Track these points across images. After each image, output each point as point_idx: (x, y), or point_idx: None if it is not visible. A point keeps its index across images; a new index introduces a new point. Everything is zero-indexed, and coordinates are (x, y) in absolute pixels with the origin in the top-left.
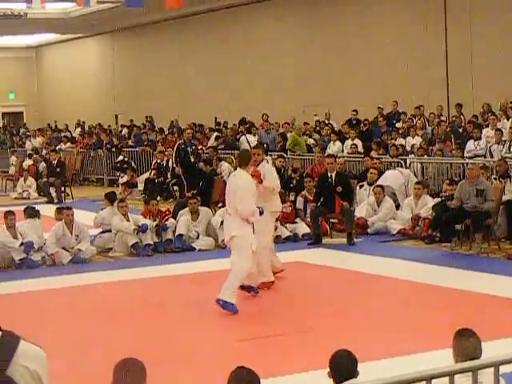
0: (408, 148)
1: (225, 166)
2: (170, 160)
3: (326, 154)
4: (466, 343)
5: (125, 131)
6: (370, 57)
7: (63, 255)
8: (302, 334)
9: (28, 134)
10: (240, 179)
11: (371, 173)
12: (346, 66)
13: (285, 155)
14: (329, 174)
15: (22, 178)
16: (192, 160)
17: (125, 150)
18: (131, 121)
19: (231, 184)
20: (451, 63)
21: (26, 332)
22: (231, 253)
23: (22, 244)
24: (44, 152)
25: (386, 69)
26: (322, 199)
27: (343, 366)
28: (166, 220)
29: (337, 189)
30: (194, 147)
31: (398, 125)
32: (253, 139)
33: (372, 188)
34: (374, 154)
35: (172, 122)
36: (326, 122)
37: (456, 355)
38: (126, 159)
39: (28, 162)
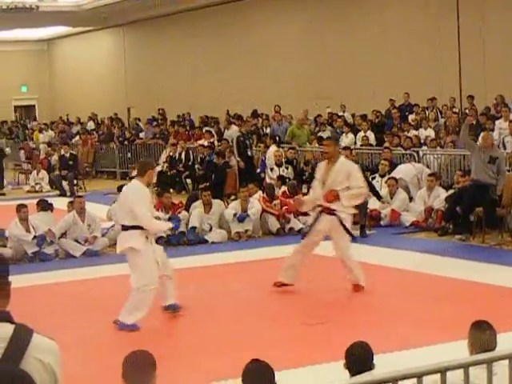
0: (422, 139)
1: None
2: (183, 152)
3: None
4: (483, 335)
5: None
6: (383, 48)
7: (75, 247)
8: (315, 326)
9: (41, 127)
10: (130, 192)
11: (382, 164)
12: (359, 57)
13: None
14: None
15: (35, 171)
16: (249, 154)
17: (137, 142)
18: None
19: (121, 196)
20: (464, 55)
21: (38, 325)
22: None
23: (34, 237)
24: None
25: (398, 60)
26: None
27: (359, 357)
28: (179, 213)
29: None
30: (251, 140)
31: (411, 117)
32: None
33: (385, 180)
34: (387, 144)
35: (183, 114)
36: (340, 114)
37: (471, 347)
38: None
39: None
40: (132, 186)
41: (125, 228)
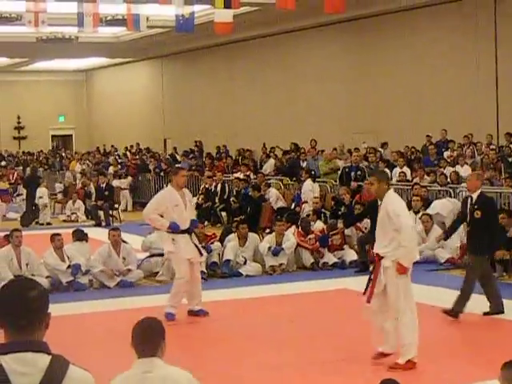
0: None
1: (273, 192)
2: (219, 185)
3: None
4: None
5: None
6: (420, 83)
7: (110, 278)
8: (347, 361)
9: (80, 157)
10: None
11: (414, 200)
12: (396, 92)
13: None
14: (378, 202)
15: (71, 201)
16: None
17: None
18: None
19: None
20: (501, 91)
21: (73, 356)
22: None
23: (69, 266)
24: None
25: (435, 96)
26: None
27: None
28: (212, 243)
29: None
30: (358, 172)
31: (446, 153)
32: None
33: (419, 216)
34: (417, 180)
35: (219, 147)
36: (378, 149)
37: None
38: None
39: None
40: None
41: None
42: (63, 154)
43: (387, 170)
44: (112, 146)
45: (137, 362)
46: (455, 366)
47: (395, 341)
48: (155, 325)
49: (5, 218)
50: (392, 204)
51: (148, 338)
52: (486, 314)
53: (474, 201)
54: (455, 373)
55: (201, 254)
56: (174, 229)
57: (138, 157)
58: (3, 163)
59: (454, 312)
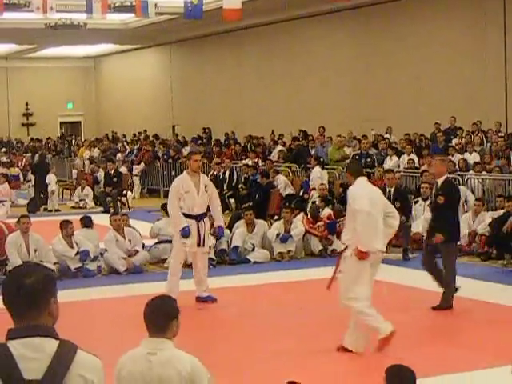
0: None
1: (281, 179)
2: (227, 172)
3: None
4: None
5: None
6: (428, 71)
7: (120, 263)
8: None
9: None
10: None
11: (423, 187)
12: (404, 80)
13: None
14: (387, 189)
15: (80, 187)
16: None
17: (181, 160)
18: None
19: None
20: (510, 78)
21: (81, 341)
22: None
23: (77, 253)
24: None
25: (443, 83)
26: None
27: (401, 380)
28: None
29: (395, 204)
30: (368, 159)
31: (455, 141)
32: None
33: (427, 203)
34: (425, 167)
35: (227, 133)
36: (384, 136)
37: None
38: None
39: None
40: None
41: None
42: (73, 141)
43: (396, 158)
44: (123, 135)
45: (145, 341)
46: (464, 352)
47: (350, 337)
48: (166, 304)
49: (13, 204)
50: (351, 189)
51: (157, 317)
52: (434, 308)
53: (438, 186)
54: (465, 359)
55: (199, 245)
56: (183, 234)
57: (147, 143)
58: (3, 150)
59: (447, 306)
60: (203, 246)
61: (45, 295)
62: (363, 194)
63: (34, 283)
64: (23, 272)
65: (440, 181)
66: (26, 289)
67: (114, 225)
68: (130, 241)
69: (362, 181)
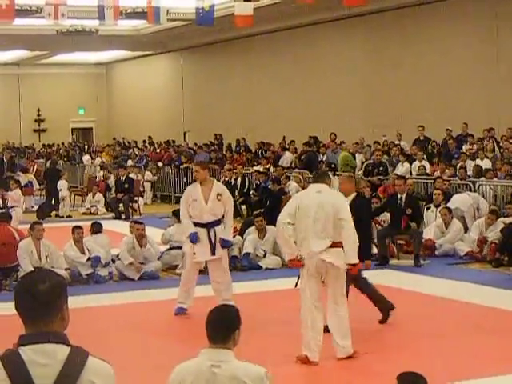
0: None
1: (292, 185)
2: (239, 178)
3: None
4: None
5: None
6: (440, 77)
7: (137, 271)
8: (370, 355)
9: (97, 149)
10: None
11: (435, 194)
12: (417, 85)
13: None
14: (398, 196)
15: (91, 194)
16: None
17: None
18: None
19: None
20: None
21: (92, 347)
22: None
23: (89, 259)
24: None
25: (455, 89)
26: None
27: None
28: (233, 237)
29: (406, 211)
30: (381, 168)
31: (465, 147)
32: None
33: (439, 210)
34: (437, 174)
35: (238, 140)
36: (396, 142)
37: None
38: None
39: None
40: None
41: None
42: (85, 147)
43: (407, 164)
44: (135, 141)
45: (205, 351)
46: (475, 360)
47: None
48: (229, 314)
49: (26, 210)
50: None
51: (219, 326)
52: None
53: (350, 203)
54: (476, 367)
55: (213, 254)
56: (192, 241)
57: (159, 149)
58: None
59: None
60: (213, 254)
61: (58, 301)
62: (289, 203)
63: (48, 289)
64: (36, 278)
65: (350, 198)
66: (39, 295)
67: (136, 234)
68: (145, 258)
69: (307, 189)
